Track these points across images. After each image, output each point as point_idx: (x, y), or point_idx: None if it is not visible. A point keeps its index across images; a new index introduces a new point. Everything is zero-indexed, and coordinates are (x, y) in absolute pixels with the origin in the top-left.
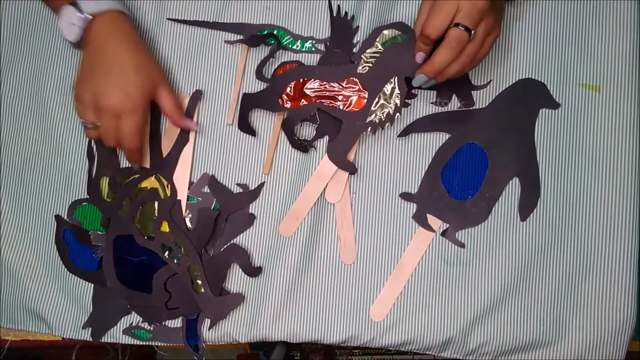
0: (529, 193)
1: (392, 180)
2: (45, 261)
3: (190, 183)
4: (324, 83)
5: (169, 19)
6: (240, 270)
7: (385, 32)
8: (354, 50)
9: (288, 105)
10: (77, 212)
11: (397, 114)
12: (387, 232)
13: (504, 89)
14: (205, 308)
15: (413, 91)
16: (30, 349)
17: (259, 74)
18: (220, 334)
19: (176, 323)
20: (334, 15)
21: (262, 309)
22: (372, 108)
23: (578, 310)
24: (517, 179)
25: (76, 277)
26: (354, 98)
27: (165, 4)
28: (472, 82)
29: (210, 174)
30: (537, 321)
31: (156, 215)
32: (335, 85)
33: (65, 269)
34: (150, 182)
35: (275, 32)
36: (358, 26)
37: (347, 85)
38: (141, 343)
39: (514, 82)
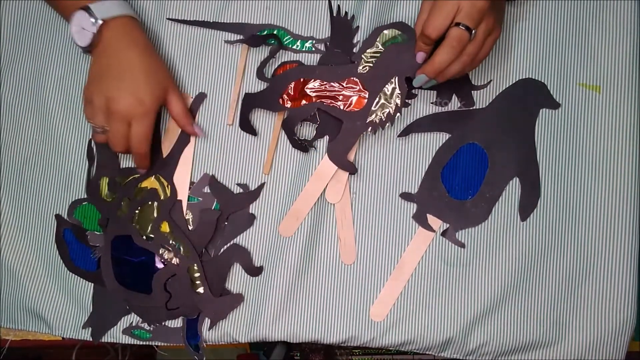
0: (529, 193)
1: (392, 180)
2: (45, 261)
3: (191, 183)
4: (325, 83)
5: (169, 19)
6: (240, 270)
7: (385, 31)
8: (354, 50)
9: (288, 105)
10: (77, 212)
11: (398, 114)
12: (387, 232)
13: (504, 89)
14: (205, 308)
15: (413, 91)
16: (30, 349)
17: (260, 74)
18: (220, 334)
19: (176, 323)
20: (334, 15)
21: (262, 309)
22: (373, 108)
23: (578, 310)
24: (517, 179)
25: (76, 276)
26: (355, 98)
27: (165, 4)
28: (472, 82)
29: (211, 174)
30: (537, 321)
31: (155, 215)
32: (336, 85)
33: (66, 269)
34: (150, 183)
35: (275, 32)
36: (358, 26)
37: (348, 85)
38: (141, 343)
39: (514, 82)
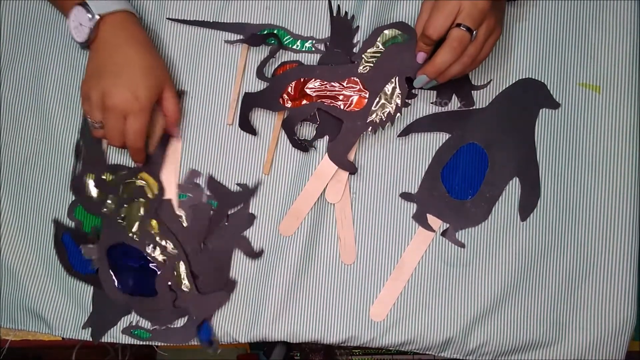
0: (529, 193)
1: (392, 180)
2: (45, 261)
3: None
4: (325, 83)
5: (169, 18)
6: (240, 270)
7: (386, 31)
8: (354, 50)
9: (288, 104)
10: (78, 212)
11: (398, 114)
12: (387, 232)
13: (504, 89)
14: (190, 306)
15: (413, 91)
16: (30, 349)
17: (260, 74)
18: (220, 334)
19: (178, 323)
20: (334, 15)
21: (262, 309)
22: (373, 108)
23: (578, 310)
24: (517, 179)
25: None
26: (355, 98)
27: (165, 4)
28: (472, 82)
29: (210, 174)
30: (537, 321)
31: (143, 213)
32: (336, 84)
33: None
34: (137, 180)
35: (275, 32)
36: (358, 26)
37: (348, 85)
38: (141, 343)
39: (514, 82)
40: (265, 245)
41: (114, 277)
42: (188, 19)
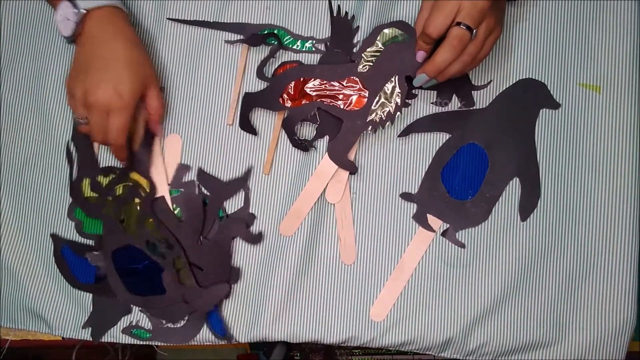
0: (529, 193)
1: (392, 180)
2: (45, 261)
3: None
4: (325, 82)
5: (169, 18)
6: (240, 269)
7: (385, 30)
8: (354, 50)
9: (288, 104)
10: (78, 211)
11: (398, 113)
12: (387, 232)
13: (504, 89)
14: (192, 299)
15: (413, 91)
16: (30, 348)
17: (260, 74)
18: None
19: (179, 322)
20: (334, 15)
21: (262, 309)
22: (373, 107)
23: (578, 310)
24: (517, 179)
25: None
26: (355, 97)
27: (165, 4)
28: (473, 82)
29: (210, 174)
30: (537, 321)
31: (139, 213)
32: (336, 84)
33: None
34: (130, 180)
35: (275, 32)
36: (358, 26)
37: (348, 84)
38: (141, 343)
39: (514, 82)
40: (265, 245)
41: (120, 282)
42: (188, 19)
